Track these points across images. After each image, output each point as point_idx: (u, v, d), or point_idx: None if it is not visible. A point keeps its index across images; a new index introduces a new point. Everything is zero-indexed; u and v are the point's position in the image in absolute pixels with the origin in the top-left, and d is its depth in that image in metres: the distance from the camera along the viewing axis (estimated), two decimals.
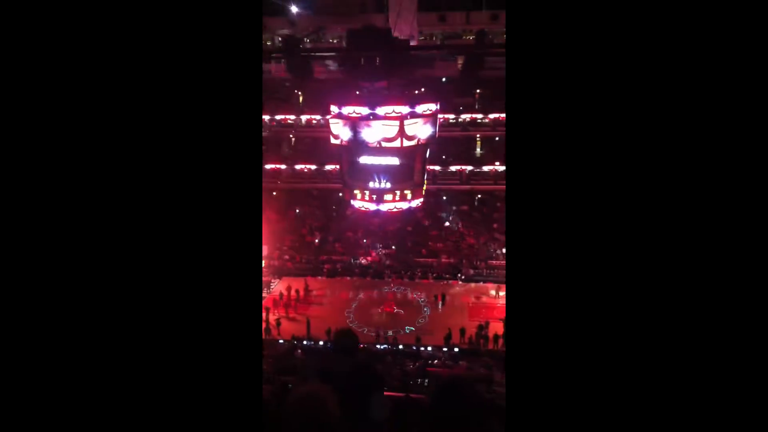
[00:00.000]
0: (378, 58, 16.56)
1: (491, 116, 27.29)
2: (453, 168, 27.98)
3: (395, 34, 18.50)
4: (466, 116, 27.78)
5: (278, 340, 19.14)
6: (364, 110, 17.00)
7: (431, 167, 23.82)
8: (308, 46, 28.20)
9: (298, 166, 29.10)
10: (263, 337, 18.99)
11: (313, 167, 28.64)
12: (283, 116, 29.37)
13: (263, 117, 29.00)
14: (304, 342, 18.88)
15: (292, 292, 22.93)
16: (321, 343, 18.75)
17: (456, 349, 18.44)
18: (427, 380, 15.03)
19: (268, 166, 28.15)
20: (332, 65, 21.63)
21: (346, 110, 17.41)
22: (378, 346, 18.56)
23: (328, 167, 27.68)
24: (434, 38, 29.61)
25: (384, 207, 19.96)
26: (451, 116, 27.73)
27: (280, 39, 26.52)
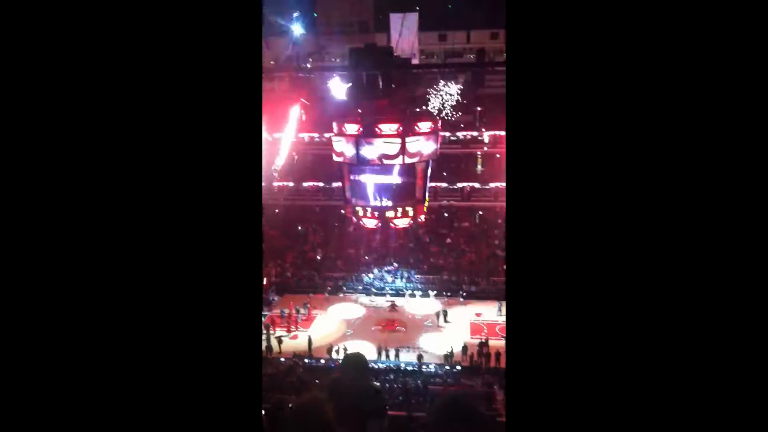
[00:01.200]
0: (379, 77, 16.75)
1: (491, 133, 27.47)
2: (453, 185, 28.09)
3: (397, 53, 18.73)
4: (466, 133, 27.96)
5: (280, 359, 19.02)
6: (366, 128, 17.15)
7: (432, 184, 23.90)
8: (311, 65, 28.55)
9: (304, 184, 29.22)
10: (264, 355, 18.87)
11: (319, 184, 28.75)
12: (285, 134, 29.54)
13: (266, 135, 29.21)
14: (306, 360, 18.75)
15: (293, 310, 22.85)
16: (323, 361, 18.63)
17: (458, 367, 18.31)
18: (428, 398, 14.91)
19: (276, 184, 28.34)
20: (334, 83, 21.84)
21: (348, 128, 17.56)
22: (379, 364, 18.43)
23: (330, 184, 27.80)
24: (435, 57, 29.95)
25: (386, 224, 20.01)
26: (455, 134, 27.90)
27: (283, 58, 26.87)
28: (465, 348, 19.09)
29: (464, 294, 24.47)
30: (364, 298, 24.60)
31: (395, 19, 26.84)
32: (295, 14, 28.42)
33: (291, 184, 29.11)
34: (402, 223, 18.65)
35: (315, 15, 28.94)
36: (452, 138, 27.90)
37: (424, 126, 17.10)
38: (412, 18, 27.12)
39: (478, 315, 22.31)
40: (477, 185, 28.03)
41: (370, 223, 18.61)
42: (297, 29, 28.79)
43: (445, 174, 27.21)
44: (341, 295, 25.05)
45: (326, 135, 23.84)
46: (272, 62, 28.79)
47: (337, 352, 18.97)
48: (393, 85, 16.93)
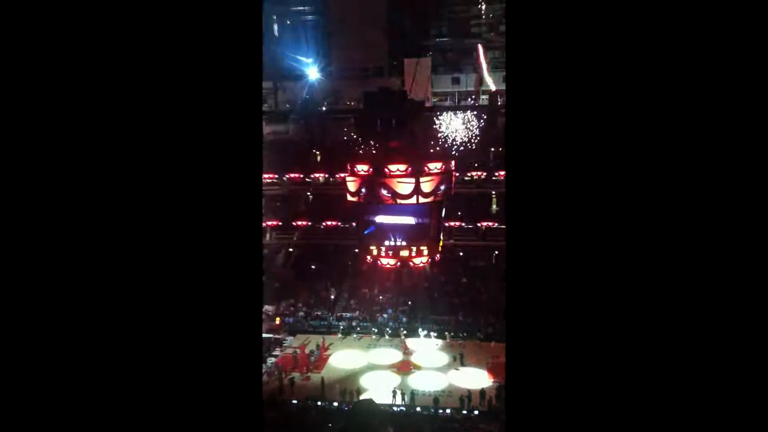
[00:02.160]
0: (393, 119, 17.08)
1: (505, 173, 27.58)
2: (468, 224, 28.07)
3: (410, 96, 19.16)
4: (480, 173, 28.15)
5: (291, 400, 18.66)
6: (380, 168, 17.37)
7: (448, 223, 23.91)
8: (326, 108, 29.25)
9: (321, 223, 29.46)
10: (277, 396, 18.54)
11: (331, 223, 28.95)
12: (300, 174, 30.10)
13: (282, 176, 29.71)
14: (318, 403, 18.37)
15: (306, 351, 22.56)
16: (336, 404, 18.23)
17: (475, 412, 17.76)
18: None
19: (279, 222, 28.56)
20: (349, 125, 22.31)
21: (362, 168, 17.81)
22: (394, 408, 17.97)
23: (343, 224, 27.98)
24: (448, 99, 30.54)
25: (400, 263, 19.93)
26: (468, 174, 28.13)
27: (299, 101, 27.62)
28: (483, 392, 18.57)
29: (481, 336, 23.99)
30: (376, 340, 24.25)
31: (409, 63, 27.59)
32: (310, 60, 29.38)
33: (307, 223, 29.36)
34: (418, 262, 18.59)
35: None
36: (466, 178, 28.08)
37: (438, 166, 17.27)
38: (426, 63, 27.86)
39: (495, 358, 21.77)
40: (492, 224, 27.96)
41: (388, 262, 18.58)
42: (313, 73, 29.68)
43: (459, 213, 27.24)
44: (355, 335, 24.71)
45: (340, 175, 24.20)
46: (287, 105, 29.56)
47: (351, 394, 18.57)
48: (407, 127, 17.24)
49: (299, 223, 29.09)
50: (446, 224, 22.66)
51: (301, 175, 29.70)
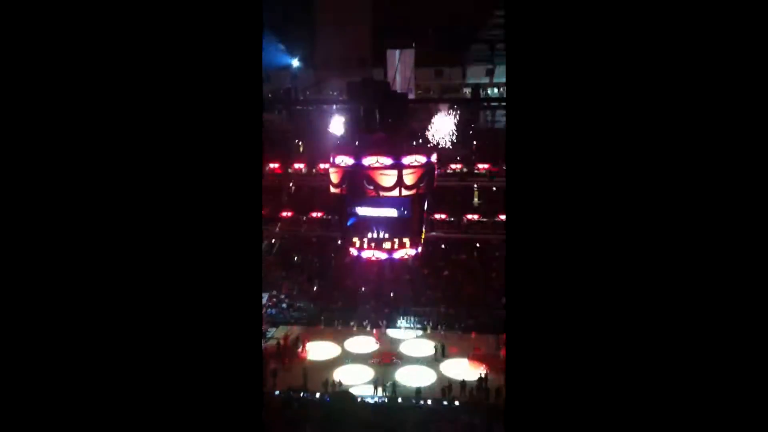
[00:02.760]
0: (377, 110, 17.03)
1: (486, 166, 27.76)
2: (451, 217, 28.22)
3: (393, 88, 19.10)
4: (462, 167, 28.26)
5: (274, 392, 18.64)
6: (363, 160, 17.32)
7: (430, 216, 23.99)
8: (309, 98, 29.02)
9: (287, 214, 29.34)
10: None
11: (315, 215, 28.86)
12: (276, 164, 29.88)
13: (265, 166, 29.44)
14: (301, 394, 18.39)
15: (289, 342, 22.53)
16: (318, 395, 18.28)
17: (456, 402, 17.97)
18: None
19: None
20: (332, 116, 22.15)
21: (345, 160, 17.73)
22: (376, 399, 18.08)
23: (326, 216, 27.91)
24: (431, 92, 30.50)
25: (383, 256, 19.97)
26: (451, 167, 28.22)
27: (281, 91, 27.31)
28: (464, 383, 18.78)
29: (462, 326, 24.22)
30: (357, 331, 24.33)
31: (392, 54, 27.45)
32: (294, 48, 29.05)
33: (288, 214, 29.22)
34: (403, 254, 18.64)
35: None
36: (449, 171, 28.15)
37: (418, 159, 17.29)
38: (409, 54, 27.74)
39: (477, 349, 22.00)
40: (474, 217, 28.14)
41: (370, 254, 18.59)
42: (295, 62, 29.37)
43: (441, 206, 27.35)
44: (337, 326, 24.76)
45: (322, 166, 24.08)
46: (269, 95, 29.26)
47: (333, 385, 18.64)
48: (389, 119, 17.21)
49: (283, 214, 28.94)
50: (428, 217, 22.74)
51: (283, 165, 29.51)
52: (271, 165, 29.29)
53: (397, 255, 19.31)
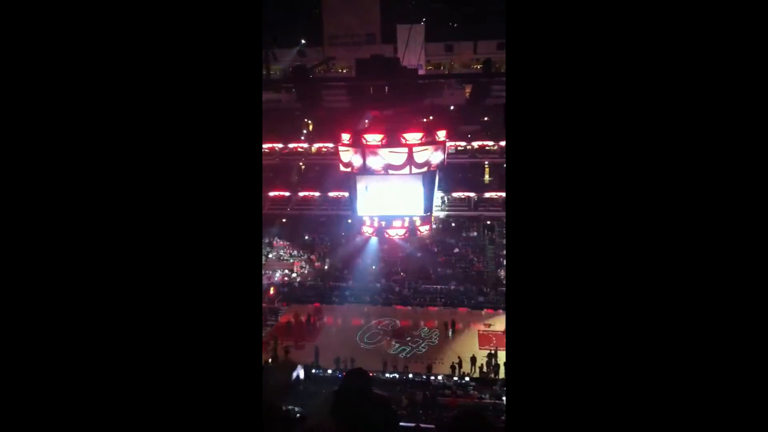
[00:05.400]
0: (386, 87, 16.84)
1: (499, 143, 27.50)
2: (461, 194, 28.12)
3: (403, 63, 18.85)
4: (474, 143, 28.02)
5: None
6: (373, 138, 17.22)
7: (440, 194, 23.92)
8: (318, 75, 28.79)
9: (305, 193, 29.42)
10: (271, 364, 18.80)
11: (325, 194, 28.90)
12: (293, 144, 29.88)
13: (274, 145, 29.44)
14: (313, 371, 18.68)
15: (301, 319, 22.81)
16: (330, 371, 18.55)
17: (467, 378, 18.16)
18: (437, 410, 14.76)
19: (272, 193, 28.53)
20: (341, 94, 21.97)
21: (355, 138, 17.64)
22: (387, 375, 18.32)
23: (338, 194, 27.94)
24: (442, 67, 30.08)
25: (393, 233, 20.00)
26: (460, 143, 27.98)
27: (290, 69, 27.08)
28: (474, 359, 18.95)
29: (473, 303, 24.34)
30: (371, 308, 24.55)
31: (402, 30, 27.03)
32: (303, 25, 28.69)
33: (299, 194, 29.31)
34: (411, 232, 18.64)
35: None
36: (459, 148, 27.94)
37: (417, 136, 17.12)
38: (419, 29, 27.30)
39: (487, 326, 22.14)
40: (485, 195, 28.02)
41: (380, 233, 18.61)
42: (304, 40, 29.04)
43: (452, 184, 27.24)
44: (348, 304, 24.99)
45: (331, 145, 23.99)
46: (278, 73, 29.05)
47: (345, 363, 18.89)
48: (399, 96, 17.01)
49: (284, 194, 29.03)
50: (439, 194, 22.67)
51: (294, 145, 29.49)
52: (279, 145, 29.30)
53: (407, 233, 19.31)
